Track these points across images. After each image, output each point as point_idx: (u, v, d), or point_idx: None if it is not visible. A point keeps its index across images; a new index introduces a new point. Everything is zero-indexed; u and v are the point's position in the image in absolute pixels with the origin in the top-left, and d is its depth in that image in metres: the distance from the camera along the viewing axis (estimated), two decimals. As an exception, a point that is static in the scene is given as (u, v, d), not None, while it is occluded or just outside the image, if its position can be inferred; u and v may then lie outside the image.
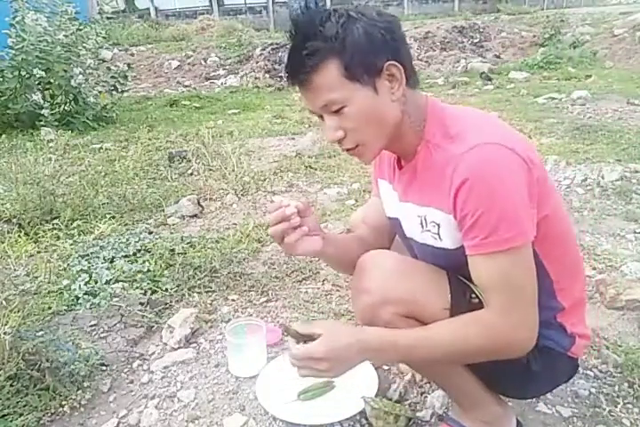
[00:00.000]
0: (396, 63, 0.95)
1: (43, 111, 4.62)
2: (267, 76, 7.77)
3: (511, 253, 0.91)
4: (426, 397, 1.38)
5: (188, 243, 2.28)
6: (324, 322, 1.23)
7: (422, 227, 1.05)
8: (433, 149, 1.00)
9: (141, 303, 1.86)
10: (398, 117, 0.99)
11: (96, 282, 1.98)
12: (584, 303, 1.15)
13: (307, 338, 0.99)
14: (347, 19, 0.93)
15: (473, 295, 1.02)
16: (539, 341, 1.03)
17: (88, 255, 2.19)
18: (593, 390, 1.40)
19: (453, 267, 1.05)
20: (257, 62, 8.51)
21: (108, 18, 5.52)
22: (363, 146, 1.01)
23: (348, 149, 1.03)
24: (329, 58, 0.93)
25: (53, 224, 2.52)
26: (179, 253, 2.17)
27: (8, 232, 2.44)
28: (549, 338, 1.07)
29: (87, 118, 4.95)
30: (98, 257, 2.16)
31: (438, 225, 1.02)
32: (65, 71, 4.89)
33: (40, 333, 1.63)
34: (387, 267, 1.06)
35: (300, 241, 1.05)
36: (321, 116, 1.01)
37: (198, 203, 2.82)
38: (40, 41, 4.72)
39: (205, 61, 9.17)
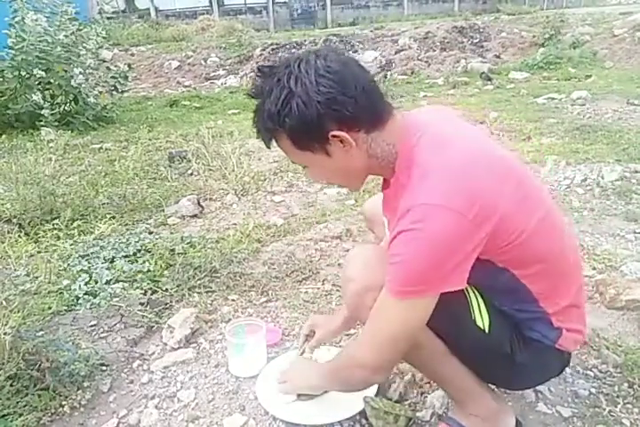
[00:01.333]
0: (339, 132, 0.97)
1: (43, 111, 4.61)
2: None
3: (402, 303, 0.96)
4: (426, 397, 1.38)
5: (188, 243, 2.28)
6: None
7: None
8: (399, 188, 1.02)
9: (141, 303, 1.86)
10: (362, 164, 1.04)
11: (96, 282, 1.98)
12: (577, 307, 1.13)
13: None
14: (287, 93, 0.94)
15: None
16: (524, 333, 1.09)
17: (88, 255, 2.19)
18: (593, 390, 1.40)
19: None
20: (257, 62, 8.51)
21: (108, 18, 5.52)
22: (341, 186, 1.17)
23: None
24: (277, 133, 1.01)
25: (53, 224, 2.52)
26: (179, 253, 2.17)
27: (8, 232, 2.44)
28: (535, 330, 1.09)
29: (87, 118, 4.95)
30: (98, 257, 2.16)
31: None
32: (65, 71, 4.89)
33: (40, 333, 1.63)
34: (369, 256, 1.13)
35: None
36: None
37: (198, 203, 2.82)
38: (40, 41, 4.72)
39: (205, 61, 9.17)
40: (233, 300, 1.94)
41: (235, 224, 2.61)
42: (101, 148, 4.14)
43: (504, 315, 1.09)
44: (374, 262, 1.09)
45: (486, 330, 1.07)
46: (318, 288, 1.99)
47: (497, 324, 1.08)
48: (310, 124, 0.96)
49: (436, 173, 0.94)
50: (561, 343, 1.10)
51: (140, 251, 2.21)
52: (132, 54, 9.63)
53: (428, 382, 1.43)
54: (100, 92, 5.35)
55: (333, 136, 0.97)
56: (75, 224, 2.55)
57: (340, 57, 0.99)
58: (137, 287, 1.96)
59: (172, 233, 2.47)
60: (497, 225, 0.94)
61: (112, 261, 2.13)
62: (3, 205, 2.65)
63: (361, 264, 1.12)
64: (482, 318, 1.07)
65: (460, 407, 1.23)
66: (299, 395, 1.36)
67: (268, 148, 1.08)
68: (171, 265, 2.10)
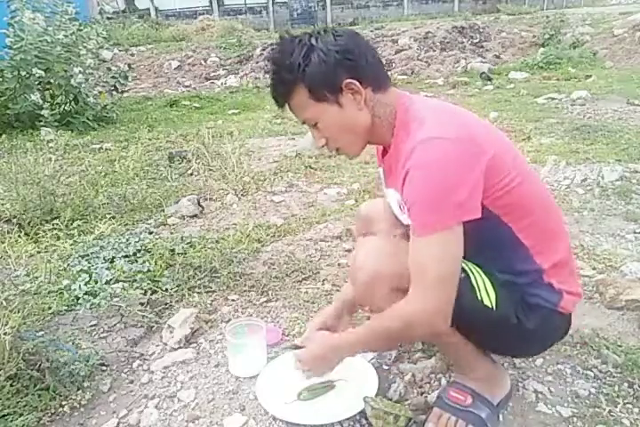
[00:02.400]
0: (353, 80, 1.07)
1: (42, 111, 4.61)
2: (267, 76, 7.75)
3: (432, 240, 1.01)
4: (426, 397, 1.38)
5: (188, 243, 2.28)
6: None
7: (401, 209, 1.16)
8: (399, 144, 1.12)
9: (141, 303, 1.86)
10: (368, 122, 1.14)
11: (96, 282, 1.98)
12: (568, 263, 1.20)
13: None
14: (308, 48, 1.07)
15: None
16: (527, 299, 1.16)
17: (88, 255, 2.19)
18: (593, 390, 1.40)
19: None
20: (257, 62, 8.53)
21: (108, 18, 5.53)
22: (342, 149, 1.20)
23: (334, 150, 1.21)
24: (296, 86, 1.09)
25: (53, 224, 2.52)
26: (179, 253, 2.17)
27: (8, 232, 2.44)
28: (537, 296, 1.16)
29: (87, 118, 4.95)
30: (98, 257, 2.16)
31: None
32: (65, 71, 4.89)
33: (40, 333, 1.64)
34: (378, 246, 1.18)
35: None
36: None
37: (198, 203, 2.82)
38: (40, 40, 4.72)
39: (205, 61, 9.18)
40: (233, 300, 1.94)
41: (235, 224, 2.61)
42: (101, 148, 4.14)
43: (507, 287, 1.15)
44: (383, 250, 1.14)
45: (494, 307, 1.13)
46: (318, 288, 1.99)
47: (502, 297, 1.14)
48: (328, 72, 1.06)
49: (431, 119, 1.06)
50: (563, 306, 1.17)
51: (140, 251, 2.21)
52: (132, 54, 9.63)
53: (428, 382, 1.44)
54: (100, 92, 5.36)
55: (347, 86, 1.07)
56: (75, 224, 2.55)
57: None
58: (137, 287, 1.95)
59: (171, 233, 2.47)
60: (490, 162, 1.03)
61: (112, 261, 2.13)
62: (3, 205, 2.66)
63: (371, 253, 1.16)
64: (488, 296, 1.13)
65: (464, 373, 1.31)
66: (299, 395, 1.36)
67: (281, 107, 1.16)
68: (171, 265, 2.10)
